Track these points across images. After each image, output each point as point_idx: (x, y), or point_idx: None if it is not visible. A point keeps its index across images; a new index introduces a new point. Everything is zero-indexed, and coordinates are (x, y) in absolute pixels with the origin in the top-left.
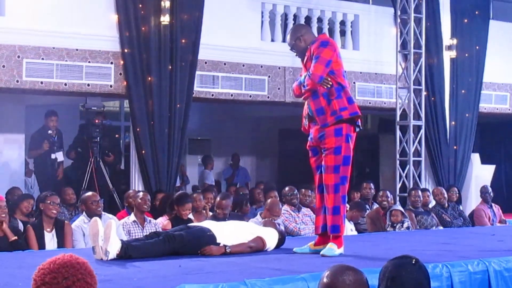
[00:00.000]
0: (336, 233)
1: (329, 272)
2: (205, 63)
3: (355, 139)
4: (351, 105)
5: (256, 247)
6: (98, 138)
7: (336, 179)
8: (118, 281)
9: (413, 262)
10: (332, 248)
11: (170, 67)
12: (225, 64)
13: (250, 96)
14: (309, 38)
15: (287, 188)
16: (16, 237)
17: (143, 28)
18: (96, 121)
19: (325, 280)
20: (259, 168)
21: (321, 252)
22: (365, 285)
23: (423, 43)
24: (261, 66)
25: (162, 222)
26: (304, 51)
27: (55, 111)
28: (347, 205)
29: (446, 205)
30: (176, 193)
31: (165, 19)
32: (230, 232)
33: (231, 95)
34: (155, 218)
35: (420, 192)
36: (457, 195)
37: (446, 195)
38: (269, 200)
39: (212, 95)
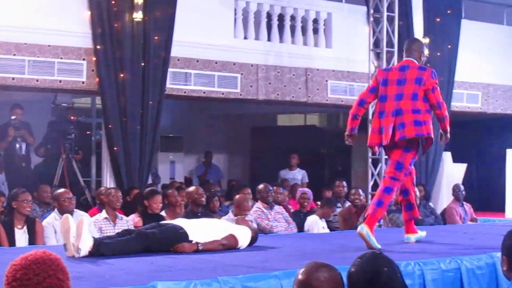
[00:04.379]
0: None
1: (304, 269)
2: (178, 60)
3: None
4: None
5: (229, 245)
6: (73, 135)
7: None
8: (90, 278)
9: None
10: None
11: (142, 63)
12: (197, 61)
13: (223, 94)
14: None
15: (261, 186)
16: None
17: (115, 25)
18: (72, 117)
19: (300, 277)
20: (232, 166)
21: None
22: (340, 281)
23: (395, 41)
24: (234, 64)
25: (134, 219)
26: None
27: (20, 104)
28: (318, 203)
29: (418, 203)
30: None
31: (138, 15)
32: (202, 230)
33: (204, 92)
34: (127, 215)
35: None
36: (424, 193)
37: (418, 193)
38: (237, 196)
39: (185, 92)
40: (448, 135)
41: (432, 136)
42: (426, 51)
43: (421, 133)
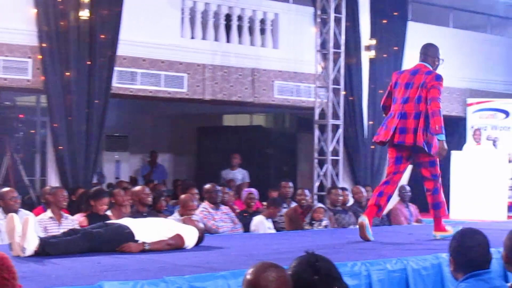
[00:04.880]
0: None
1: (253, 270)
2: (124, 59)
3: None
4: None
5: (175, 245)
6: (22, 133)
7: None
8: (36, 278)
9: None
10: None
11: (88, 62)
12: (144, 60)
13: (169, 93)
14: None
15: (208, 185)
16: None
17: (62, 23)
18: (20, 115)
19: (248, 277)
20: (177, 166)
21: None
22: (288, 281)
23: (342, 43)
24: (181, 63)
25: (79, 219)
26: None
27: None
28: (264, 203)
29: (364, 203)
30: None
31: (84, 14)
32: (148, 229)
33: (150, 92)
34: (72, 215)
35: (340, 191)
36: (372, 193)
37: (365, 194)
38: (182, 196)
39: (131, 91)
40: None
41: (421, 145)
42: (440, 56)
43: (417, 143)
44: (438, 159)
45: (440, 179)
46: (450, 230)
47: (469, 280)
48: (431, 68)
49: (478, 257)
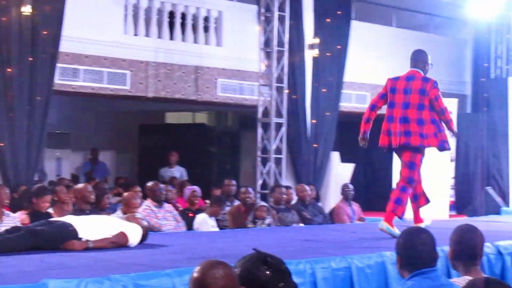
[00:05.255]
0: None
1: (200, 267)
2: (67, 55)
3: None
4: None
5: (119, 242)
6: None
7: None
8: None
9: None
10: None
11: (30, 59)
12: (87, 57)
13: (112, 90)
14: None
15: (151, 183)
16: None
17: (3, 19)
18: None
19: (195, 275)
20: (119, 163)
21: None
22: (235, 278)
23: (286, 41)
24: (124, 60)
25: (20, 216)
26: None
27: None
28: (207, 201)
29: (307, 202)
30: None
31: (26, 9)
32: (92, 227)
33: (93, 89)
34: (14, 212)
35: (284, 189)
36: (315, 192)
37: (309, 192)
38: (125, 194)
39: (73, 88)
40: (455, 132)
41: (436, 145)
42: (429, 61)
43: (423, 144)
44: (421, 162)
45: (414, 181)
46: (395, 229)
47: (416, 278)
48: (423, 74)
49: (424, 255)
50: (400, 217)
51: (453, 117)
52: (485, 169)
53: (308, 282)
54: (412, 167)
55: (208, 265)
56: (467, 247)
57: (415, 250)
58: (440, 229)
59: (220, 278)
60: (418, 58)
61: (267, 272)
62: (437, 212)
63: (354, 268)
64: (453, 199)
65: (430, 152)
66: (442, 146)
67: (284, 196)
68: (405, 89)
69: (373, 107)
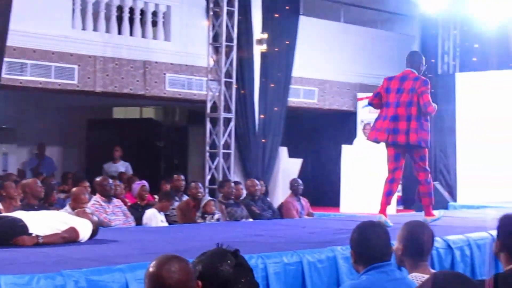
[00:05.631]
0: None
1: (155, 262)
2: (14, 49)
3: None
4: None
5: (70, 238)
6: None
7: None
8: None
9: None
10: None
11: None
12: (34, 51)
13: (60, 85)
14: None
15: (100, 178)
16: None
17: None
18: None
19: (151, 269)
20: (66, 158)
21: None
22: (190, 272)
23: (234, 36)
24: (71, 55)
25: None
26: None
27: None
28: (155, 196)
29: (257, 197)
30: None
31: None
32: (42, 222)
33: (40, 83)
34: None
35: (233, 184)
36: (264, 187)
37: (259, 187)
38: (74, 189)
39: (21, 82)
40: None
41: (416, 143)
42: (424, 62)
43: (411, 141)
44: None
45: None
46: (437, 215)
47: (370, 272)
48: (417, 74)
49: (378, 250)
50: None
51: None
52: (432, 164)
53: (259, 277)
54: (424, 159)
55: (164, 259)
56: (416, 243)
57: (370, 244)
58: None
59: (175, 272)
60: (414, 60)
61: (231, 268)
62: None
63: (306, 263)
64: (400, 194)
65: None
66: (420, 143)
67: (234, 191)
68: (398, 89)
69: (370, 104)
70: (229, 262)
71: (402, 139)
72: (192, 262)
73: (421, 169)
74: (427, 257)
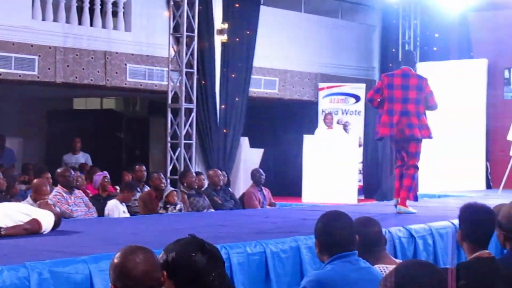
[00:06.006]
0: None
1: (120, 253)
2: None
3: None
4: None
5: (32, 229)
6: None
7: None
8: None
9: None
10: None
11: None
12: None
13: (20, 76)
14: None
15: (62, 169)
16: None
17: None
18: None
19: (116, 260)
20: (27, 150)
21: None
22: (156, 262)
23: (195, 26)
24: (32, 46)
25: None
26: None
27: None
28: (116, 187)
29: (219, 187)
30: None
31: None
32: (3, 214)
33: (0, 75)
34: None
35: (195, 174)
36: (226, 177)
37: (222, 177)
38: (35, 181)
39: None
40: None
41: (427, 136)
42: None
43: (423, 135)
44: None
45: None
46: (411, 210)
47: (335, 262)
48: (415, 72)
49: (343, 239)
50: (415, 200)
51: (361, 102)
52: (393, 154)
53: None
54: (418, 156)
55: (129, 250)
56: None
57: (335, 234)
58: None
59: (141, 263)
60: (409, 58)
61: (204, 259)
62: (346, 197)
63: (269, 252)
64: (361, 183)
65: (338, 137)
66: (431, 136)
67: (197, 181)
68: (403, 85)
69: (371, 100)
70: (203, 252)
71: (417, 133)
72: (165, 249)
73: (413, 166)
74: (383, 247)
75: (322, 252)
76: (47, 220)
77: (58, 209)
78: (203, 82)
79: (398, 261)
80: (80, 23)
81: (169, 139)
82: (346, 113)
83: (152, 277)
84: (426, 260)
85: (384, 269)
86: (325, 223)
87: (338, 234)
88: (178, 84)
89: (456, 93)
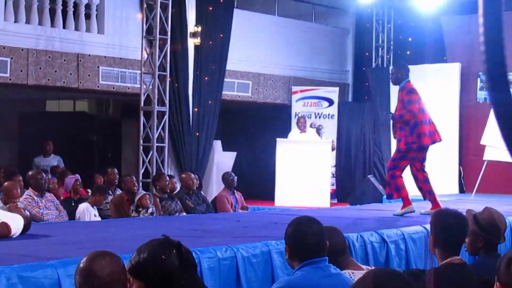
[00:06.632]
0: None
1: (86, 258)
2: None
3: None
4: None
5: (1, 233)
6: None
7: None
8: None
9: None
10: None
11: None
12: None
13: None
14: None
15: (33, 172)
16: None
17: None
18: None
19: (82, 265)
20: None
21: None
22: (122, 267)
23: (168, 29)
24: (4, 47)
25: None
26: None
27: None
28: (88, 190)
29: (191, 191)
30: None
31: None
32: None
33: None
34: None
35: (168, 178)
36: (198, 181)
37: (195, 181)
38: (6, 184)
39: None
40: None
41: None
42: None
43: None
44: None
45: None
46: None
47: (305, 268)
48: None
49: (314, 245)
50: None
51: (335, 106)
52: (366, 158)
53: None
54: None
55: (94, 254)
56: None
57: (305, 240)
58: (320, 217)
59: (106, 266)
60: (408, 70)
61: (176, 261)
62: (319, 201)
63: (240, 257)
64: (334, 187)
65: (311, 141)
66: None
67: (169, 185)
68: (420, 96)
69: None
70: (175, 254)
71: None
72: (138, 249)
73: (422, 169)
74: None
75: (292, 257)
76: (16, 223)
77: (28, 213)
78: (176, 85)
79: (364, 266)
80: (52, 25)
81: (141, 142)
82: (320, 117)
83: (118, 280)
84: (398, 266)
85: (351, 274)
86: (296, 228)
87: (309, 240)
88: (150, 87)
89: (429, 97)
